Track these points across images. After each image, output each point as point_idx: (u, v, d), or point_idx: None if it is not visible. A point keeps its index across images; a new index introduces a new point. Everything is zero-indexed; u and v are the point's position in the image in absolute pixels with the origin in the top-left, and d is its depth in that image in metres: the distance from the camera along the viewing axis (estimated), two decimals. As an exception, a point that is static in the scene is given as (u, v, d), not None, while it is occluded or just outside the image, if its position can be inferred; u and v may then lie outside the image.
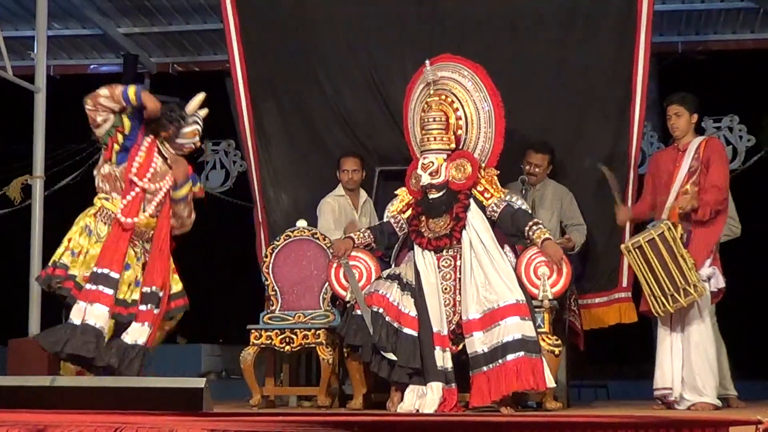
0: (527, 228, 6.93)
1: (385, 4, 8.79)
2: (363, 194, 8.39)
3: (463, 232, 6.96)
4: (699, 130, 7.57)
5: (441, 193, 7.08)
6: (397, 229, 7.27)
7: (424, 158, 7.09)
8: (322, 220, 8.14)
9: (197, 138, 6.82)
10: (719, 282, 7.12)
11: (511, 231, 7.04)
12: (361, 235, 7.25)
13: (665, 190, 7.24)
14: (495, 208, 7.06)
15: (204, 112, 6.83)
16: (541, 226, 6.95)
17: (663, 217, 7.11)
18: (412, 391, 6.74)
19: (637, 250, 6.91)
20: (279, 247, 7.70)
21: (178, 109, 6.73)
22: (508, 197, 7.14)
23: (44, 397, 5.60)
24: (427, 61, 7.26)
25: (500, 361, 6.58)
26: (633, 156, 8.35)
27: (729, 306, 7.20)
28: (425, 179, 7.03)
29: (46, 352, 6.43)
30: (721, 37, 10.94)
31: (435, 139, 7.09)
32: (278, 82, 8.95)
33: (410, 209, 7.25)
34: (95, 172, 6.64)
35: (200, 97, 6.83)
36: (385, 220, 7.40)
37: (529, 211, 7.18)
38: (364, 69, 8.76)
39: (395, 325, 6.76)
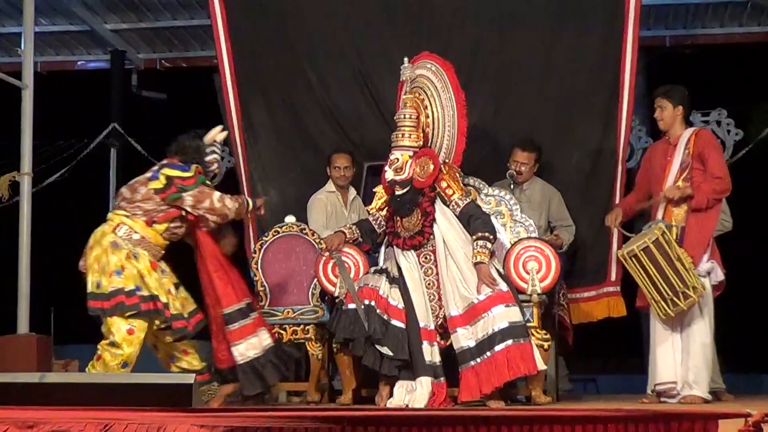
0: (473, 238, 6.92)
1: (373, 1, 8.79)
2: (352, 191, 8.39)
3: (434, 226, 6.95)
4: (688, 123, 7.57)
5: (405, 190, 7.03)
6: (376, 227, 7.25)
7: (392, 154, 7.07)
8: (313, 216, 8.14)
9: (216, 166, 7.02)
10: (718, 275, 7.15)
11: (468, 231, 7.01)
12: (351, 229, 7.25)
13: (658, 184, 7.26)
14: (456, 205, 7.03)
15: (222, 136, 7.08)
16: (482, 243, 6.81)
17: (658, 216, 7.13)
18: (401, 386, 6.74)
19: (633, 258, 6.93)
20: (267, 243, 7.71)
21: (194, 141, 6.90)
22: (469, 197, 7.08)
23: (33, 393, 5.60)
24: (406, 59, 7.26)
25: (488, 353, 6.58)
26: (621, 150, 8.36)
27: (719, 299, 7.22)
28: (389, 175, 7.01)
29: None
30: (708, 31, 10.97)
31: (404, 136, 7.06)
32: (266, 78, 8.96)
33: (386, 208, 7.24)
34: (132, 193, 6.74)
35: (218, 129, 7.04)
36: (364, 218, 7.41)
37: (487, 216, 7.02)
38: (353, 64, 8.76)
39: (384, 317, 6.77)
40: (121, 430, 4.52)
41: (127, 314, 6.54)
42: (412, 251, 6.96)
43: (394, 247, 7.04)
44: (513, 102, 8.39)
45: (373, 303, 6.78)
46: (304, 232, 7.68)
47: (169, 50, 11.81)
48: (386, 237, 7.24)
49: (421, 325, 6.78)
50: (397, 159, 7.00)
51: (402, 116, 7.09)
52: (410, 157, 7.00)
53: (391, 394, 6.76)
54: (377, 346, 6.74)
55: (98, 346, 6.65)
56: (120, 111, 11.71)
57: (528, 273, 6.92)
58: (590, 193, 8.36)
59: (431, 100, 7.20)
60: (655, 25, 10.79)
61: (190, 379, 5.64)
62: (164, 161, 6.83)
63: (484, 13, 8.64)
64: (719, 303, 7.20)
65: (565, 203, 8.12)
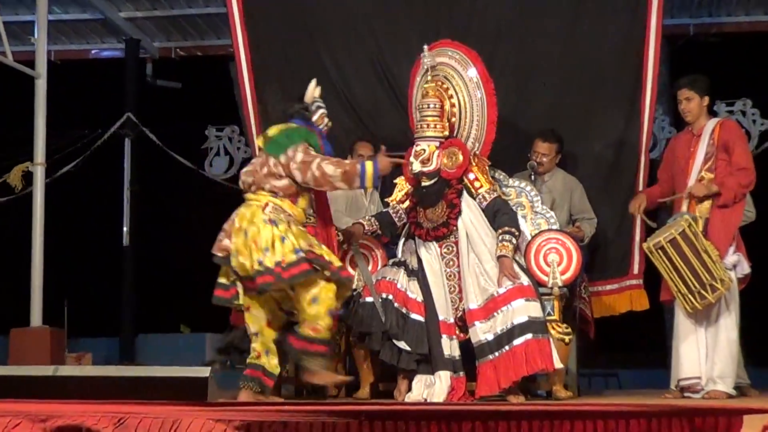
0: (498, 232, 6.91)
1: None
2: (373, 181, 8.39)
3: (459, 219, 6.95)
4: (712, 114, 7.55)
5: (433, 182, 7.03)
6: (396, 219, 7.27)
7: (417, 145, 7.06)
8: (335, 206, 8.12)
9: (326, 120, 6.79)
10: (744, 268, 7.13)
11: (492, 226, 7.01)
12: (370, 221, 7.25)
13: (683, 176, 7.24)
14: (483, 198, 7.03)
15: (319, 90, 6.84)
16: (507, 237, 6.86)
17: (683, 209, 7.11)
18: (420, 380, 6.75)
19: (659, 250, 6.92)
20: (284, 235, 7.69)
21: (297, 105, 6.72)
22: (496, 192, 7.09)
23: (47, 386, 5.62)
24: (426, 47, 7.25)
25: (506, 347, 6.58)
26: (644, 141, 8.32)
27: (742, 292, 7.19)
28: (416, 167, 7.00)
29: None
30: (734, 19, 10.92)
31: (428, 126, 7.06)
32: (283, 67, 8.94)
33: (408, 199, 7.24)
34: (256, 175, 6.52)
35: (312, 84, 6.82)
36: (384, 210, 7.41)
37: (513, 213, 7.06)
38: (371, 53, 8.74)
39: (403, 310, 6.78)
40: (135, 424, 4.51)
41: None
42: (434, 242, 6.97)
43: (416, 238, 7.05)
44: (534, 91, 8.36)
45: (390, 296, 6.79)
46: (321, 224, 7.67)
47: (184, 39, 11.83)
48: (406, 228, 7.24)
49: (441, 318, 6.79)
50: (424, 150, 6.99)
51: (425, 105, 7.09)
52: (437, 147, 7.00)
53: (409, 389, 6.77)
54: (394, 341, 6.74)
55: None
56: (134, 100, 11.71)
57: (549, 265, 6.91)
58: (612, 184, 8.33)
59: (456, 89, 7.20)
60: (678, 13, 10.74)
61: (205, 372, 5.66)
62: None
63: (504, 2, 8.61)
64: (743, 296, 7.18)
65: (587, 195, 8.09)
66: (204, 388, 5.64)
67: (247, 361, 6.50)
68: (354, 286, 7.07)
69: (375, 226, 7.23)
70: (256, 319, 6.46)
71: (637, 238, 8.20)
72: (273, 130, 6.56)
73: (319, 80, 8.66)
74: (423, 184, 7.06)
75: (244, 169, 6.59)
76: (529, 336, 6.56)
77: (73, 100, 12.38)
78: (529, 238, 7.07)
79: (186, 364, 7.07)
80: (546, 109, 8.39)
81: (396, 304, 6.78)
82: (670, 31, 10.15)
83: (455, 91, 7.20)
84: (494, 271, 6.78)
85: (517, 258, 6.89)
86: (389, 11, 8.75)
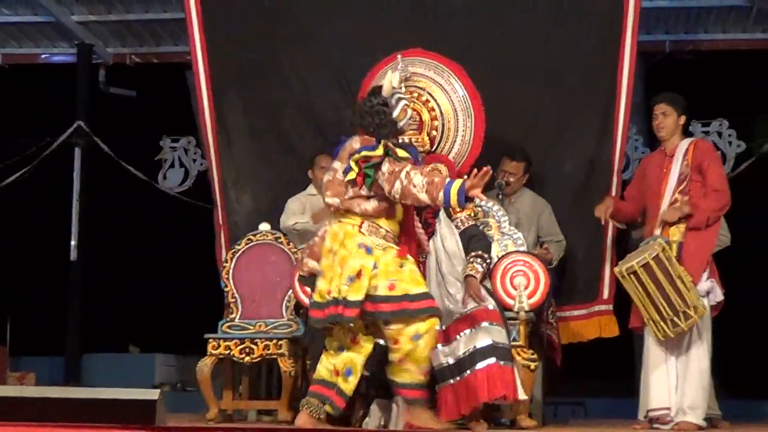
0: (471, 254, 6.91)
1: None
2: (332, 196, 8.39)
3: (431, 239, 6.95)
4: (687, 135, 7.60)
5: None
6: None
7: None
8: (285, 216, 8.09)
9: (409, 113, 6.57)
10: (717, 295, 7.14)
11: (466, 251, 7.01)
12: None
13: (656, 198, 7.27)
14: (462, 222, 7.05)
15: (397, 78, 6.58)
16: (479, 260, 6.84)
17: (656, 232, 7.13)
18: (378, 405, 6.72)
19: (631, 275, 6.93)
20: (240, 252, 7.70)
21: (374, 99, 6.45)
22: (475, 220, 7.11)
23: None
24: (399, 55, 7.27)
25: (468, 371, 6.54)
26: (617, 161, 8.36)
27: (714, 320, 7.22)
28: None
29: None
30: (711, 37, 11.00)
31: (407, 141, 7.09)
32: (242, 77, 8.92)
33: None
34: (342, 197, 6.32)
35: (388, 75, 6.55)
36: None
37: (489, 242, 7.06)
38: (334, 64, 8.71)
39: (362, 334, 6.76)
40: (79, 448, 4.49)
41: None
42: None
43: None
44: (504, 107, 8.38)
45: (351, 319, 6.77)
46: (279, 240, 7.67)
47: (139, 45, 11.78)
48: None
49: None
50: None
51: None
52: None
53: (367, 414, 6.75)
54: None
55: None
56: (86, 108, 11.65)
57: (515, 289, 6.92)
58: (583, 205, 8.34)
59: (438, 101, 7.24)
60: (654, 29, 10.82)
61: (154, 395, 5.62)
62: (354, 143, 6.44)
63: (477, 13, 8.63)
64: (715, 323, 7.22)
65: (557, 216, 8.12)
66: (152, 411, 5.59)
67: (319, 377, 6.42)
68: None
69: None
70: (341, 336, 6.38)
71: (608, 262, 8.23)
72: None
73: (280, 91, 8.74)
74: None
75: (327, 195, 6.39)
76: (491, 361, 6.51)
77: (21, 107, 12.34)
78: (496, 259, 7.08)
79: (134, 386, 7.03)
80: (516, 125, 8.40)
81: (355, 328, 6.77)
82: (646, 47, 10.22)
83: (437, 104, 7.24)
84: (459, 294, 6.77)
85: (485, 284, 6.89)
86: (355, 21, 8.74)
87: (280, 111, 8.84)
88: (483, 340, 6.54)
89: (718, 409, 7.56)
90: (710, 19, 10.79)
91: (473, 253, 6.86)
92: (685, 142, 7.31)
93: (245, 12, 8.93)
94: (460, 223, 7.02)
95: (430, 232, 6.95)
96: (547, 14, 8.59)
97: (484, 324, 6.58)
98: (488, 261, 6.89)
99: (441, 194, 6.08)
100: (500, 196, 7.78)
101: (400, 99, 6.47)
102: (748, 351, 11.40)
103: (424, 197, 6.13)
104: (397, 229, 6.40)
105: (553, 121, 8.51)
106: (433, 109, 7.26)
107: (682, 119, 7.35)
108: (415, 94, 7.24)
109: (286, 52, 8.82)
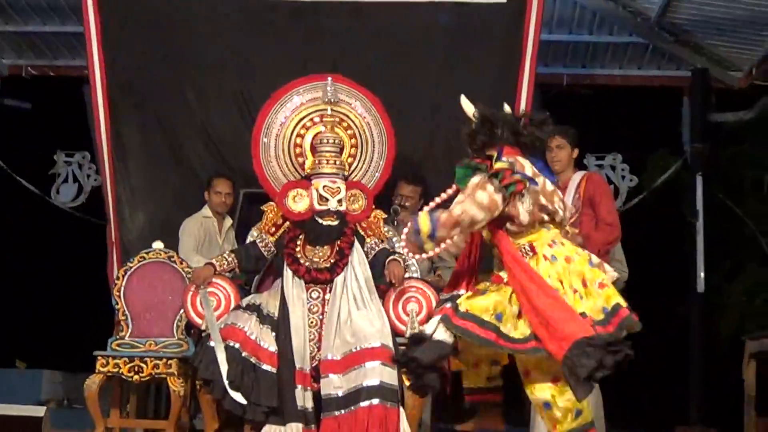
0: (390, 258, 7.02)
1: (260, 19, 8.79)
2: (228, 220, 8.42)
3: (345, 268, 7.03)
4: (580, 168, 7.72)
5: (337, 222, 7.12)
6: (265, 253, 7.27)
7: (331, 182, 7.14)
8: (183, 241, 8.12)
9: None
10: None
11: (380, 273, 7.09)
12: (224, 259, 7.23)
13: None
14: (371, 249, 7.15)
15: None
16: (399, 256, 7.02)
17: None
18: (269, 431, 6.73)
19: None
20: (132, 270, 7.65)
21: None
22: (386, 242, 7.21)
23: None
24: (330, 78, 7.37)
25: (353, 407, 6.61)
26: (511, 191, 8.43)
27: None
28: (333, 204, 7.07)
29: None
30: (607, 72, 11.19)
31: (328, 163, 7.20)
32: (140, 94, 8.87)
33: (279, 230, 7.26)
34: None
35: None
36: (249, 241, 7.41)
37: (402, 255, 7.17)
38: (234, 85, 8.71)
39: (252, 360, 6.76)
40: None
41: None
42: (303, 283, 6.98)
43: (285, 274, 7.04)
44: (402, 132, 8.45)
45: (237, 345, 6.76)
46: (172, 259, 7.64)
47: (36, 57, 11.65)
48: (268, 266, 7.25)
49: (298, 366, 6.79)
50: (339, 189, 7.07)
51: (325, 140, 7.19)
52: (345, 187, 7.10)
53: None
54: (231, 392, 6.70)
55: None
56: (-22, 120, 11.51)
57: (407, 314, 6.98)
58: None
59: (358, 129, 7.35)
60: (553, 62, 10.97)
61: (40, 411, 5.59)
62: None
63: (377, 40, 8.69)
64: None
65: (451, 242, 8.18)
66: (38, 428, 5.57)
67: None
68: (203, 327, 7.06)
69: (233, 263, 7.22)
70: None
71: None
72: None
73: (180, 109, 8.72)
74: (324, 222, 7.09)
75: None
76: (375, 401, 6.59)
77: None
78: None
79: (20, 402, 6.97)
80: (412, 153, 8.46)
81: (244, 354, 6.76)
82: (544, 79, 10.30)
83: (356, 131, 7.39)
84: (365, 325, 6.82)
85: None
86: (257, 45, 8.74)
87: (177, 130, 8.81)
88: (371, 379, 6.61)
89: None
90: (607, 54, 10.99)
91: (390, 258, 7.00)
92: (578, 175, 7.44)
93: (145, 31, 8.86)
94: (370, 249, 7.14)
95: (345, 262, 7.02)
96: (447, 41, 8.68)
97: (376, 363, 6.65)
98: (407, 262, 7.03)
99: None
100: (395, 222, 7.85)
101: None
102: (637, 383, 11.55)
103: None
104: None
105: (450, 150, 8.56)
106: (353, 136, 7.38)
107: (575, 152, 7.49)
108: (337, 119, 7.35)
109: (185, 72, 8.80)
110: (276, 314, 6.96)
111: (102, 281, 8.77)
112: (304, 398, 6.76)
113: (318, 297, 7.01)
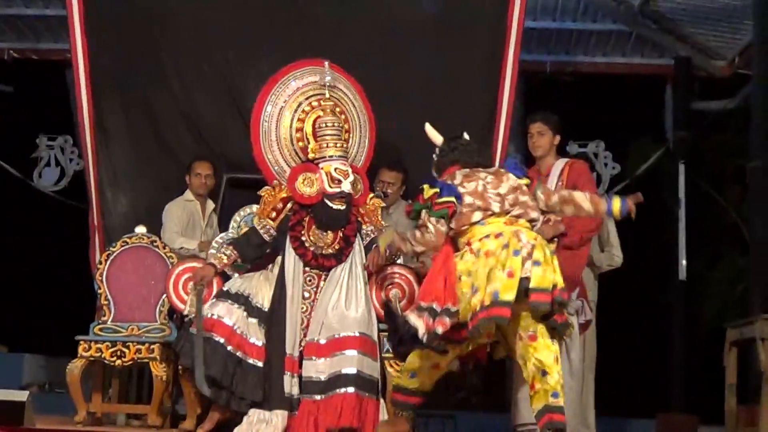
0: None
1: (247, 4, 8.76)
2: (211, 203, 8.42)
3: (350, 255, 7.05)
4: (563, 155, 7.74)
5: (344, 206, 7.11)
6: (266, 238, 7.19)
7: (342, 164, 7.13)
8: (167, 225, 8.12)
9: None
10: (587, 314, 7.27)
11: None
12: (223, 256, 7.15)
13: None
14: (368, 235, 7.17)
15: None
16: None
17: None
18: (253, 415, 6.73)
19: None
20: (115, 254, 7.64)
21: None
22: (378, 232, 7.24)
23: None
24: (327, 63, 7.40)
25: (330, 393, 6.63)
26: (494, 177, 8.45)
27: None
28: (346, 186, 7.06)
29: None
30: (591, 59, 11.22)
31: (335, 146, 7.18)
32: (124, 77, 8.82)
33: (281, 214, 7.21)
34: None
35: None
36: (248, 231, 7.34)
37: None
38: (220, 71, 8.67)
39: (238, 354, 6.76)
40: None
41: None
42: (302, 266, 6.99)
43: (287, 256, 7.05)
44: (385, 118, 8.46)
45: (222, 340, 6.74)
46: (154, 244, 7.64)
47: (18, 40, 11.65)
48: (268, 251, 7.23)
49: (288, 353, 6.79)
50: (348, 172, 7.07)
51: (325, 124, 7.20)
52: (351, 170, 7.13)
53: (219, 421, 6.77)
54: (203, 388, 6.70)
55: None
56: (-40, 103, 11.49)
57: (391, 300, 6.99)
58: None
59: (348, 114, 7.36)
60: (536, 49, 10.99)
61: (22, 396, 5.59)
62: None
63: (366, 26, 8.69)
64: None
65: (433, 229, 8.19)
66: (20, 412, 5.56)
67: None
68: (186, 312, 7.06)
69: (233, 256, 7.15)
70: None
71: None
72: None
73: (163, 94, 8.69)
74: (334, 206, 7.09)
75: None
76: (351, 389, 6.61)
77: None
78: (371, 270, 7.17)
79: (1, 386, 6.97)
80: (397, 138, 8.46)
81: (230, 348, 6.76)
82: (527, 66, 10.34)
83: (347, 116, 7.40)
84: (351, 312, 6.85)
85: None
86: (244, 31, 8.71)
87: (160, 114, 8.77)
88: (349, 368, 6.62)
89: (594, 428, 7.63)
90: (591, 42, 11.02)
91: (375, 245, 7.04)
92: (561, 162, 7.45)
93: (129, 14, 8.81)
94: (365, 236, 7.14)
95: (350, 251, 7.03)
96: (432, 27, 8.67)
97: (355, 351, 6.67)
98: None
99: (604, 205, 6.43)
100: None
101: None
102: (620, 369, 11.60)
103: (588, 206, 6.47)
104: None
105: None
106: (346, 121, 7.40)
107: (557, 139, 7.50)
108: (333, 103, 7.38)
109: (170, 56, 8.76)
110: (266, 305, 6.93)
111: (84, 265, 8.76)
112: (290, 384, 6.77)
113: (313, 283, 7.00)
